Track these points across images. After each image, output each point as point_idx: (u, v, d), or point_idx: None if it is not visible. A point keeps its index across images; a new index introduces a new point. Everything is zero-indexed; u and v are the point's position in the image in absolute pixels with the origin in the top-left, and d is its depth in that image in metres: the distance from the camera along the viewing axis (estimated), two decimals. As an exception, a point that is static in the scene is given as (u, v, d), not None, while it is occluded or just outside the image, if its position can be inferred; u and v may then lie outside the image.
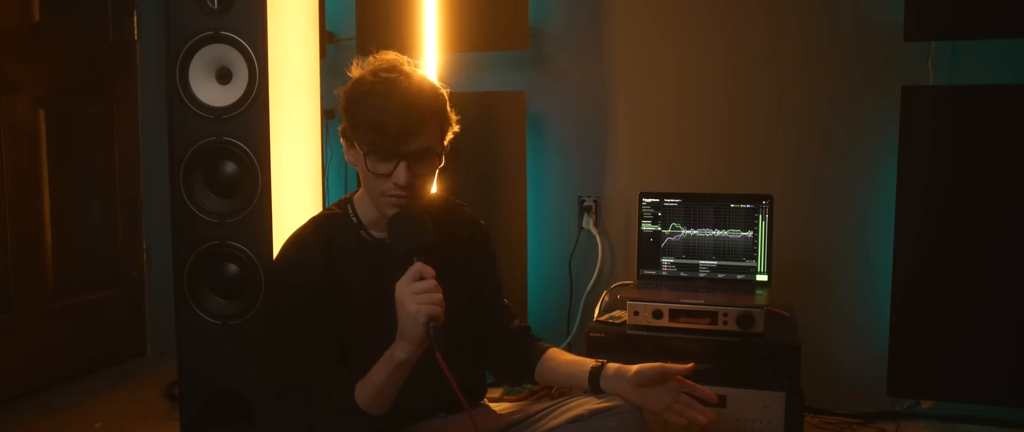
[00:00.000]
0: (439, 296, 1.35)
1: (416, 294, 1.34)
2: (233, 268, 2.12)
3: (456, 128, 1.54)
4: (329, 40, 2.88)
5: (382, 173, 1.45)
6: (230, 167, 2.12)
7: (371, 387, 1.43)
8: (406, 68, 1.48)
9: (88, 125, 3.01)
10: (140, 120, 3.21)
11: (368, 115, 1.43)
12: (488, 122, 2.72)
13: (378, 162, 1.45)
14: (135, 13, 3.15)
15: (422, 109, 1.44)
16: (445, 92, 1.52)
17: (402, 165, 1.43)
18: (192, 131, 2.10)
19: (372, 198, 1.51)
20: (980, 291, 2.29)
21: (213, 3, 2.07)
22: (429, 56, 2.69)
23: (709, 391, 1.57)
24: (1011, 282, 2.26)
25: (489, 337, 1.72)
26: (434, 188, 1.61)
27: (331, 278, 1.53)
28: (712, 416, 1.52)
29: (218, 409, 2.16)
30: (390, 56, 1.50)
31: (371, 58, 1.51)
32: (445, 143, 1.53)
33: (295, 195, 2.22)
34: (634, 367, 1.55)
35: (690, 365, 1.54)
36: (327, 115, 2.53)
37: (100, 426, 2.53)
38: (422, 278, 1.36)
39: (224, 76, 2.11)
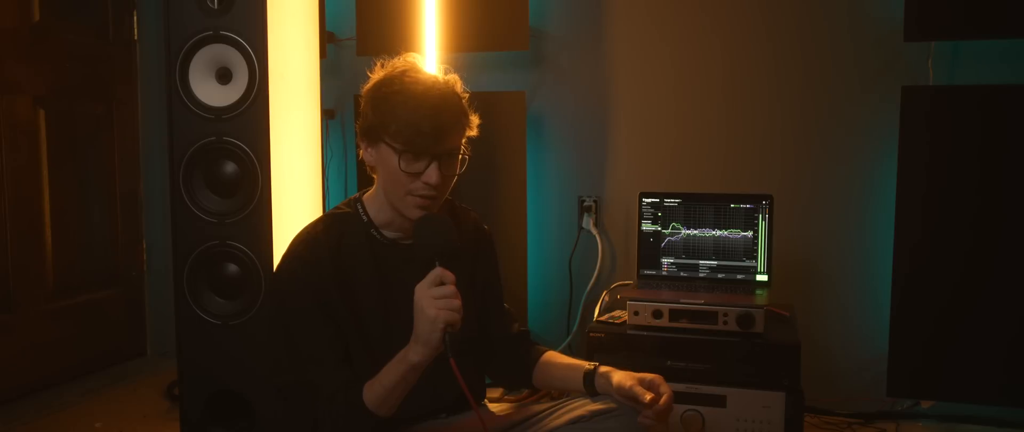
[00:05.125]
0: (458, 302, 1.37)
1: (436, 299, 1.36)
2: (233, 268, 2.12)
3: (474, 132, 1.55)
4: (329, 40, 2.88)
5: (414, 172, 1.46)
6: (230, 167, 2.12)
7: (381, 388, 1.43)
8: (431, 72, 1.51)
9: (88, 125, 3.01)
10: (140, 120, 3.21)
11: (403, 114, 1.44)
12: (488, 122, 2.67)
13: (412, 161, 1.46)
14: (135, 13, 3.15)
15: (455, 110, 1.49)
16: (466, 96, 1.55)
17: (434, 165, 1.45)
18: (192, 131, 2.11)
19: (395, 198, 1.51)
20: (980, 291, 2.29)
21: (213, 3, 2.07)
22: (429, 56, 2.68)
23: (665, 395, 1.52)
24: (1011, 282, 2.27)
25: (490, 342, 1.73)
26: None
27: (339, 277, 1.53)
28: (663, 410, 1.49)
29: (218, 409, 2.16)
30: (410, 59, 1.53)
31: (390, 61, 1.53)
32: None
33: (295, 195, 2.22)
34: (615, 380, 1.54)
35: (656, 398, 1.51)
36: (327, 115, 2.53)
37: (100, 426, 2.53)
38: (442, 283, 1.38)
39: (224, 76, 2.11)
